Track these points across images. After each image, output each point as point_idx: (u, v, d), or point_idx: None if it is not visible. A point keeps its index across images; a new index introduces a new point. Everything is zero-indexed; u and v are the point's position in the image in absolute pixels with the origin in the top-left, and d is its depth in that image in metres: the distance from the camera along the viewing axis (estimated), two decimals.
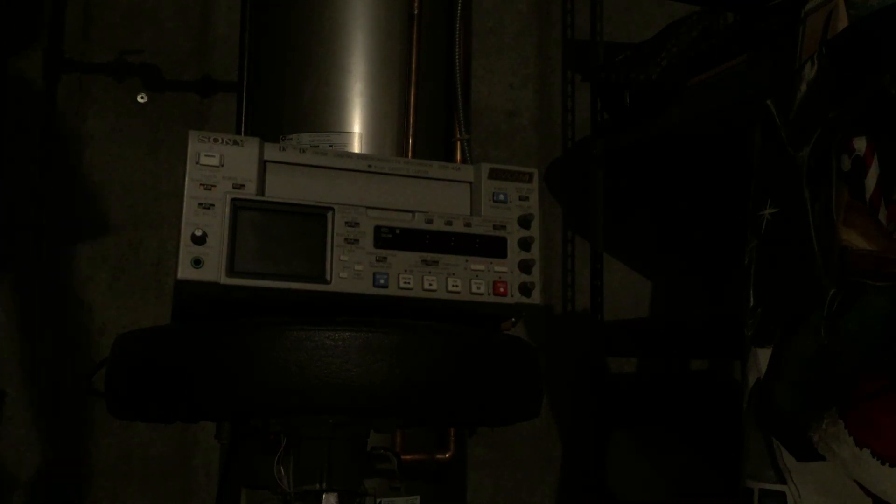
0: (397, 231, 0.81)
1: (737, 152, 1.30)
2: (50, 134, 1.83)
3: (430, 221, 0.82)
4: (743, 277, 1.12)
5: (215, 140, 0.78)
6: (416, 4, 1.36)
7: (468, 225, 0.84)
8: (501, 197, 0.85)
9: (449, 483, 1.41)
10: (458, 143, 1.39)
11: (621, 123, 1.80)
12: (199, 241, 0.75)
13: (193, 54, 1.91)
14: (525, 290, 0.83)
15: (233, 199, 0.77)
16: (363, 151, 1.31)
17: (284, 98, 1.37)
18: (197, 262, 0.75)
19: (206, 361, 0.76)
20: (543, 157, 2.10)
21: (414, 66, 1.35)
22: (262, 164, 0.80)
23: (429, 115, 1.37)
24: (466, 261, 0.82)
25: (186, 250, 0.75)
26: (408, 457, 1.30)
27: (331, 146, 1.31)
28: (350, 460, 0.87)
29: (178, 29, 1.91)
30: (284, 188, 0.80)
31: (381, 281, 0.79)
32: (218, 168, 0.78)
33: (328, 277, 0.78)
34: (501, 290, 0.82)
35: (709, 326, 1.71)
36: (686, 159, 1.87)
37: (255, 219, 0.77)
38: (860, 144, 1.00)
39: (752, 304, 1.10)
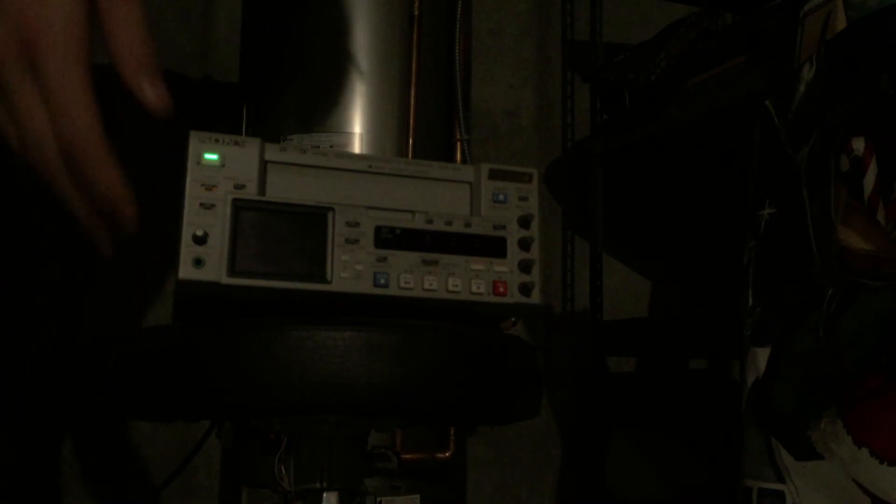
0: (397, 231, 0.81)
1: (736, 152, 1.30)
2: None
3: (430, 221, 0.83)
4: (742, 277, 1.13)
5: (216, 140, 0.79)
6: (416, 5, 1.36)
7: (468, 225, 0.84)
8: (501, 197, 0.85)
9: (449, 482, 1.41)
10: (458, 143, 1.40)
11: (621, 124, 1.81)
12: (201, 241, 0.75)
13: (194, 55, 1.92)
14: (525, 289, 0.83)
15: (234, 200, 0.77)
16: (363, 152, 1.31)
17: (284, 98, 1.37)
18: (198, 262, 0.75)
19: (207, 361, 0.76)
20: (543, 158, 2.10)
21: (414, 66, 1.35)
22: (263, 165, 0.80)
23: (429, 115, 1.38)
24: (466, 261, 0.82)
25: (187, 250, 0.75)
26: (408, 456, 1.30)
27: (331, 147, 1.31)
28: (350, 460, 0.87)
29: (179, 29, 1.91)
30: (285, 188, 0.80)
31: (382, 281, 0.79)
32: (219, 168, 0.78)
33: (329, 277, 0.78)
34: (501, 289, 0.83)
35: (708, 326, 1.71)
36: (685, 159, 1.88)
37: (256, 219, 0.78)
38: (858, 145, 1.00)
39: (750, 303, 1.10)
